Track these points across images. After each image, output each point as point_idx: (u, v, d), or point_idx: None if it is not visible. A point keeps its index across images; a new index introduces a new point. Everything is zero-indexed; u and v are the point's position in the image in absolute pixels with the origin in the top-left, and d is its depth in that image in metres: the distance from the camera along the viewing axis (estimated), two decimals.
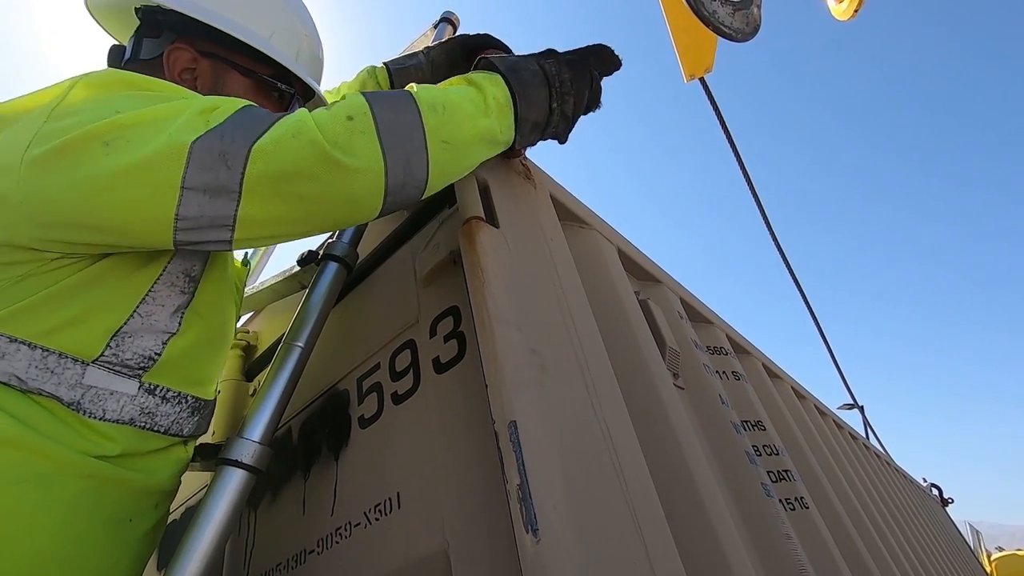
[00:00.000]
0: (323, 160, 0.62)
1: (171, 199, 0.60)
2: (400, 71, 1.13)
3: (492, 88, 0.77)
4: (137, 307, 0.72)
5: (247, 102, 0.68)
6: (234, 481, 0.74)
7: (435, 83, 1.11)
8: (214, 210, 0.62)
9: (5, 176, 0.62)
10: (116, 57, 0.93)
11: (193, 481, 0.90)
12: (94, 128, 0.61)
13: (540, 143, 0.90)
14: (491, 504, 0.64)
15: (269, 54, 0.90)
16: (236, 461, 0.75)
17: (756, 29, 1.73)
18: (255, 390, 1.23)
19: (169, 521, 1.03)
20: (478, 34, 1.06)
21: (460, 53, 1.06)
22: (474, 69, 0.85)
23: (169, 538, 0.96)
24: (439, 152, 0.69)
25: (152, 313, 0.74)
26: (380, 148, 0.65)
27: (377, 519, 0.78)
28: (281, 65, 0.92)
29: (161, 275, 0.75)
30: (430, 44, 1.10)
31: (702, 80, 2.36)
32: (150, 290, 0.74)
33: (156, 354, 0.74)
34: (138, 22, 0.91)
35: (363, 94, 0.69)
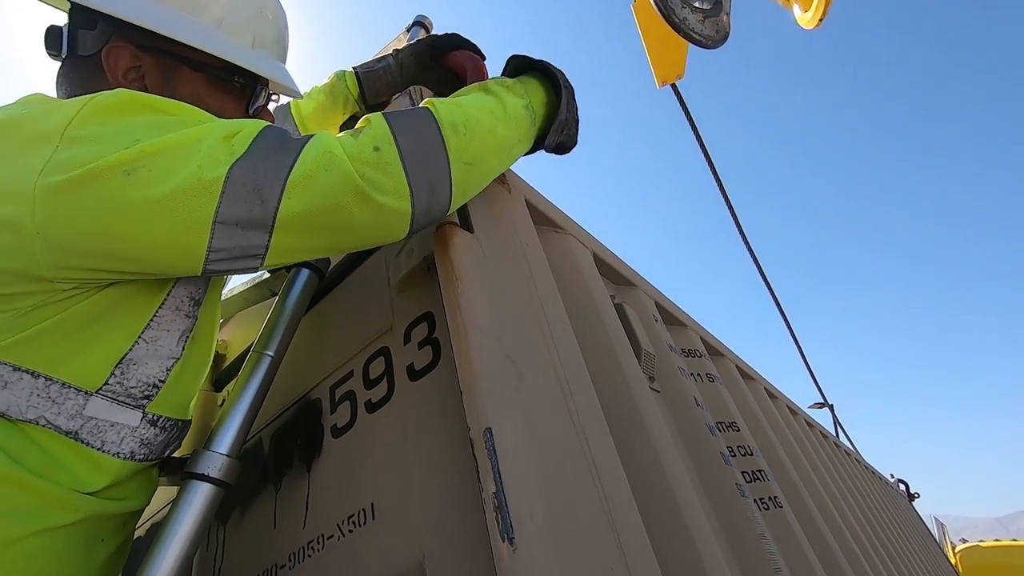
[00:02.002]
0: (355, 194, 0.62)
1: (204, 233, 0.59)
2: (369, 74, 1.11)
3: (511, 96, 0.79)
4: (142, 333, 0.70)
5: (266, 123, 0.67)
6: (200, 495, 0.72)
7: (404, 85, 1.11)
8: (246, 241, 0.61)
9: (14, 202, 0.58)
10: (53, 42, 0.82)
11: (160, 496, 0.87)
12: (115, 158, 0.58)
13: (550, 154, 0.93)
14: (467, 513, 0.63)
15: (214, 52, 0.81)
16: (202, 475, 0.73)
17: (726, 36, 1.76)
18: (224, 401, 1.20)
19: (136, 537, 0.99)
20: (447, 34, 1.04)
21: (429, 54, 1.04)
22: (503, 72, 0.89)
23: (134, 555, 0.93)
24: (462, 173, 0.70)
25: (157, 339, 0.71)
26: (407, 180, 0.65)
27: (351, 531, 0.76)
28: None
29: (166, 300, 0.72)
30: (399, 47, 1.09)
31: (674, 86, 2.40)
32: (155, 316, 0.71)
33: (160, 381, 0.72)
34: None
35: (385, 118, 0.68)
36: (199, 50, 0.81)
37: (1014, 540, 9.97)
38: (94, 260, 0.61)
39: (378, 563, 0.70)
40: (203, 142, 0.61)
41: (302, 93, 0.94)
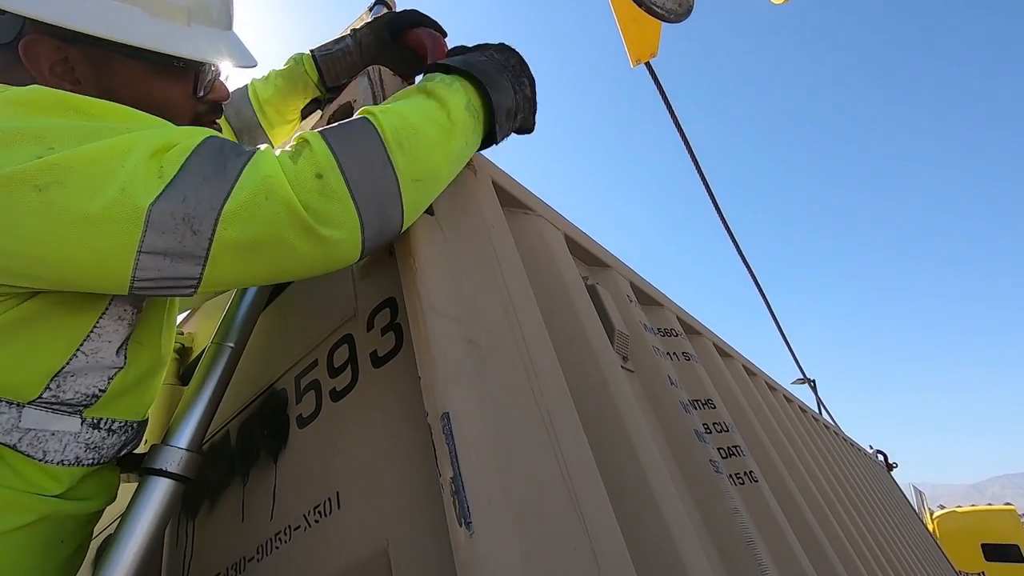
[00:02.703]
0: (299, 228, 0.57)
1: (127, 262, 0.54)
2: (327, 57, 1.07)
3: (453, 98, 0.73)
4: (81, 346, 0.65)
5: (205, 134, 0.60)
6: (159, 491, 0.70)
7: (364, 66, 1.07)
8: (176, 272, 0.56)
9: None
10: None
11: (127, 492, 0.85)
12: (25, 169, 0.52)
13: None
14: (430, 500, 0.63)
15: (136, 43, 0.70)
16: (160, 470, 0.71)
17: (689, 11, 1.75)
18: None
19: (106, 535, 0.97)
20: (406, 10, 1.01)
21: (388, 33, 1.00)
22: (426, 73, 0.80)
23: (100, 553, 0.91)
24: (412, 192, 0.65)
25: (98, 350, 0.67)
26: (355, 209, 0.60)
27: (317, 521, 0.75)
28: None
29: (107, 310, 0.67)
30: (357, 27, 1.05)
31: (648, 65, 2.38)
32: (95, 326, 0.66)
33: (101, 391, 0.68)
34: None
35: (325, 138, 0.61)
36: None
37: (989, 504, 10.32)
38: (7, 276, 0.57)
39: (343, 552, 0.70)
40: (127, 158, 0.54)
41: (256, 60, 0.86)
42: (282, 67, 1.14)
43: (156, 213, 0.53)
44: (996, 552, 9.26)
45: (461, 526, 0.52)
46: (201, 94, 0.84)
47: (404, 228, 0.68)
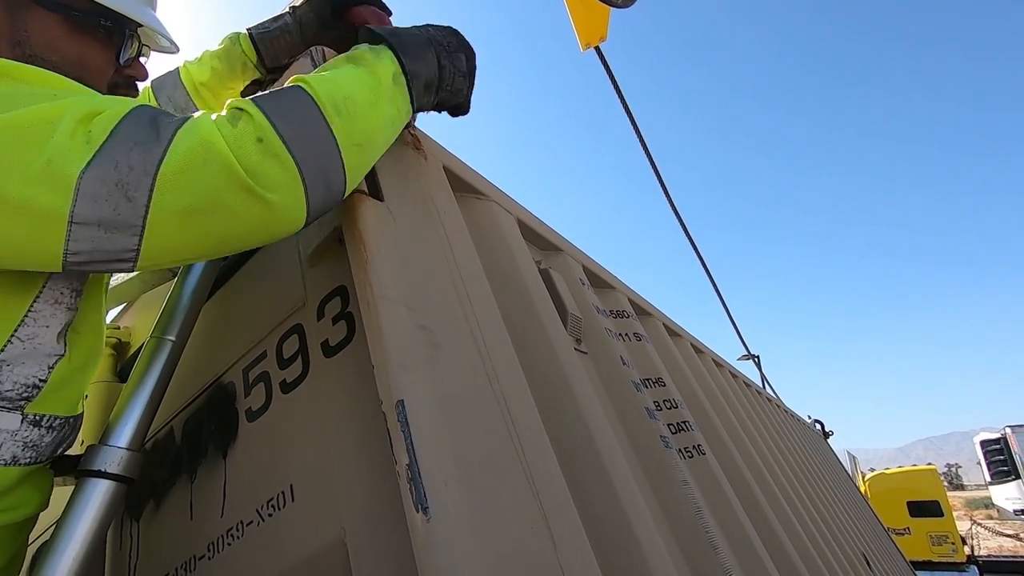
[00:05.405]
0: (239, 191, 0.55)
1: (58, 234, 0.51)
2: (265, 36, 1.02)
3: (380, 65, 0.71)
4: (15, 331, 0.62)
5: (136, 103, 0.57)
6: (98, 494, 0.67)
7: (305, 45, 1.03)
8: (112, 244, 0.53)
9: None
10: None
11: (60, 497, 0.81)
12: None
13: (450, 117, 0.86)
14: (386, 488, 0.62)
15: None
16: (99, 471, 0.68)
17: None
18: None
19: (42, 543, 0.92)
20: None
21: (329, 9, 0.97)
22: (355, 44, 0.78)
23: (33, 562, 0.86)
24: (353, 156, 0.64)
25: (35, 336, 0.63)
26: (299, 173, 0.58)
27: (270, 515, 0.74)
28: None
29: (42, 292, 0.64)
30: (296, 3, 1.01)
31: (598, 49, 2.39)
32: (30, 310, 0.63)
33: (41, 381, 0.64)
34: None
35: (258, 105, 0.59)
36: None
37: (913, 465, 11.18)
38: None
39: (299, 544, 0.69)
40: (56, 125, 0.52)
41: (179, 47, 0.84)
42: (217, 48, 1.08)
43: (87, 181, 0.50)
44: (919, 508, 10.07)
45: (418, 512, 0.52)
46: (123, 61, 0.80)
47: (346, 195, 0.66)
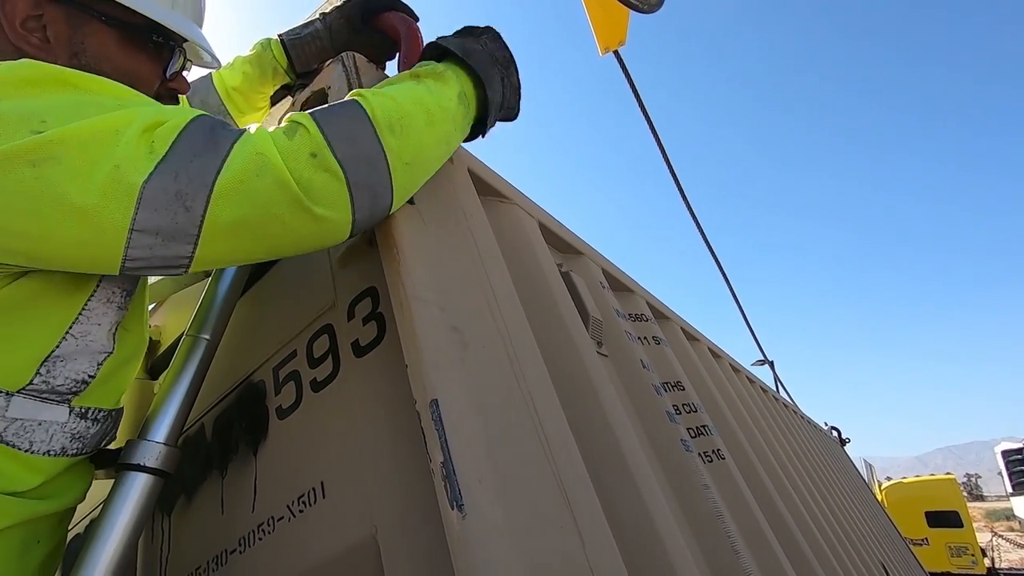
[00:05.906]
0: (291, 204, 0.57)
1: (119, 241, 0.53)
2: (296, 42, 1.04)
3: (445, 85, 0.73)
4: (70, 328, 0.64)
5: (194, 113, 0.60)
6: (137, 487, 0.69)
7: (335, 51, 1.05)
8: (167, 251, 0.56)
9: None
10: None
11: (97, 490, 0.83)
12: (19, 146, 0.51)
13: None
14: (418, 485, 0.64)
15: (132, 4, 0.74)
16: (138, 465, 0.70)
17: (661, 1, 1.77)
18: None
19: (73, 534, 0.95)
20: None
21: (359, 16, 0.99)
22: (422, 57, 0.81)
23: (72, 552, 0.89)
24: (402, 176, 0.66)
25: (88, 333, 0.66)
26: (347, 190, 0.60)
27: (301, 511, 0.75)
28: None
29: (96, 291, 0.66)
30: (326, 10, 1.03)
31: (616, 53, 2.39)
32: (84, 309, 0.65)
33: (90, 376, 0.67)
34: None
35: (316, 120, 0.61)
36: (112, 2, 0.73)
37: (931, 475, 10.99)
38: None
39: (331, 540, 0.70)
40: (122, 134, 0.54)
41: (221, 62, 0.87)
42: (248, 53, 1.11)
43: (149, 191, 0.53)
44: (938, 519, 9.89)
45: (453, 509, 0.53)
46: (168, 75, 0.84)
47: (392, 211, 0.68)
